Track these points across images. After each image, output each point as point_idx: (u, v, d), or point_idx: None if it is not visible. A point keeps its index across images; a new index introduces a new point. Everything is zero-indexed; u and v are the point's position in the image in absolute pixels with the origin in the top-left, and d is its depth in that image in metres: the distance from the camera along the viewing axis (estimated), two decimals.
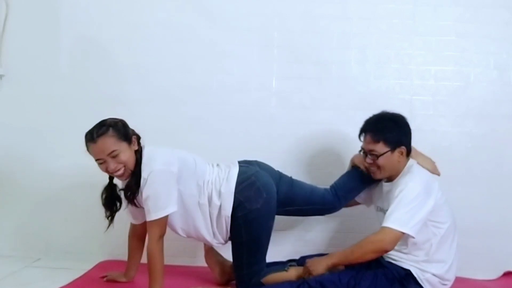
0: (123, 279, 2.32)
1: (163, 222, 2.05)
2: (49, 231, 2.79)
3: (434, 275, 2.11)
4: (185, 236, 2.25)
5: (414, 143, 2.67)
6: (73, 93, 2.78)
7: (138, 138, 2.15)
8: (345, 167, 2.67)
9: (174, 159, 2.10)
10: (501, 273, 2.59)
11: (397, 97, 2.71)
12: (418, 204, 2.03)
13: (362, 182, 2.36)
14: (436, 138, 2.67)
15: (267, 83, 2.74)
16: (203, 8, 2.75)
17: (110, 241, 2.66)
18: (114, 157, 2.04)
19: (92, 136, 2.03)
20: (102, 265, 2.56)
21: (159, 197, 2.02)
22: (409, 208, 2.02)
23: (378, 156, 2.16)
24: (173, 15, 2.76)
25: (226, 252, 2.39)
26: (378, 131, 2.17)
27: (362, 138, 2.23)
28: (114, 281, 2.32)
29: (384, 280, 2.09)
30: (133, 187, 2.08)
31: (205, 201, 2.16)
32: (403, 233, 2.00)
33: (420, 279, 2.10)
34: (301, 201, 2.32)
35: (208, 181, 2.18)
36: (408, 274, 2.10)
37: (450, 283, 2.17)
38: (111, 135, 2.04)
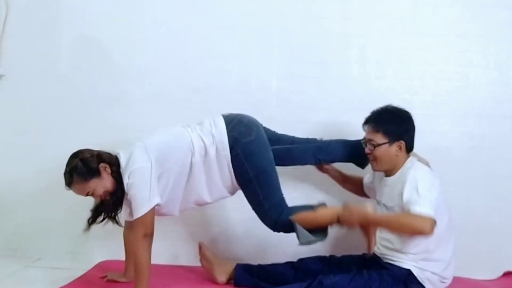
0: (124, 279, 2.32)
1: (147, 219, 2.05)
2: (49, 231, 2.79)
3: (433, 273, 2.11)
4: (194, 206, 2.28)
5: (414, 143, 2.67)
6: (73, 93, 2.78)
7: (108, 160, 2.12)
8: (345, 166, 2.67)
9: (145, 152, 2.09)
10: (501, 273, 2.59)
11: (397, 97, 2.68)
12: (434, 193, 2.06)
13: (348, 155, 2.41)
14: (436, 138, 2.66)
15: (267, 83, 2.74)
16: (203, 8, 2.75)
17: (110, 241, 2.65)
18: (91, 195, 2.11)
19: (66, 184, 2.11)
20: (102, 265, 2.56)
21: (139, 195, 2.04)
22: (431, 198, 2.03)
23: (375, 146, 2.19)
24: (173, 15, 2.76)
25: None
26: (379, 121, 2.21)
27: (365, 127, 2.25)
28: (114, 281, 2.32)
29: (391, 281, 2.09)
30: (110, 207, 2.14)
31: (198, 158, 2.16)
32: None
33: (421, 278, 2.10)
34: (285, 139, 2.42)
35: (194, 139, 2.18)
36: (409, 274, 2.10)
37: (449, 281, 2.18)
38: (76, 181, 2.09)
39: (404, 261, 2.12)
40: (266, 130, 2.35)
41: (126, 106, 2.74)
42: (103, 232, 2.69)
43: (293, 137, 2.48)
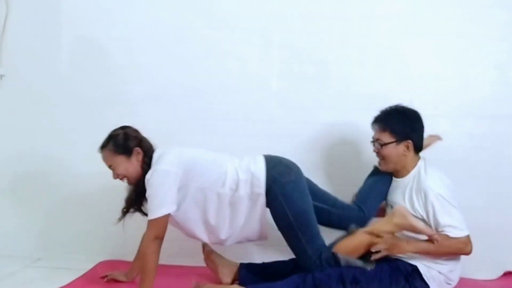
0: (123, 278, 2.32)
1: (160, 223, 2.04)
2: (49, 231, 2.79)
3: (440, 272, 2.11)
4: (207, 240, 2.22)
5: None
6: (73, 93, 2.78)
7: (147, 149, 2.14)
8: (345, 166, 2.68)
9: (178, 159, 2.09)
10: (501, 273, 2.59)
11: (397, 97, 2.68)
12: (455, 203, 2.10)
13: (383, 184, 2.32)
14: None
15: (267, 83, 2.74)
16: (203, 8, 2.75)
17: (110, 241, 2.66)
18: (112, 169, 2.12)
19: (100, 146, 2.14)
20: (102, 265, 2.56)
21: (156, 198, 2.03)
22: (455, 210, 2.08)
23: (382, 145, 2.19)
24: (173, 15, 2.76)
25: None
26: (387, 120, 2.22)
27: (373, 126, 2.27)
28: (114, 280, 2.32)
29: (388, 274, 2.09)
30: (133, 200, 2.13)
31: (227, 191, 2.11)
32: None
33: (426, 276, 2.10)
34: (326, 199, 2.29)
35: (229, 170, 2.13)
36: (414, 270, 2.10)
37: (454, 284, 2.17)
38: (109, 148, 2.12)
39: (413, 258, 2.12)
40: (309, 181, 2.29)
41: (126, 106, 2.74)
42: (103, 232, 2.71)
43: (335, 199, 2.33)
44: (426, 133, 2.64)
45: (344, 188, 2.68)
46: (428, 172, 2.16)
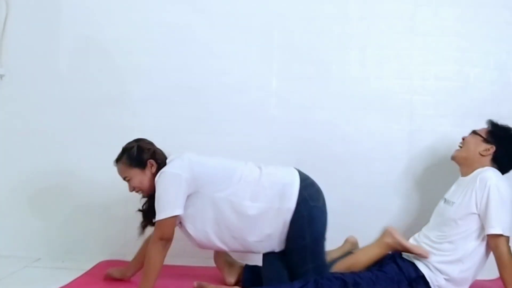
0: (118, 275, 2.32)
1: (167, 224, 2.02)
2: (49, 231, 2.79)
3: (446, 280, 2.10)
4: (224, 247, 2.18)
5: (414, 142, 2.68)
6: (73, 93, 2.78)
7: (160, 160, 2.14)
8: (345, 166, 2.67)
9: (187, 164, 2.07)
10: None
11: (397, 97, 2.71)
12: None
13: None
14: (436, 138, 2.67)
15: (267, 83, 2.74)
16: (203, 8, 2.75)
17: (110, 241, 2.66)
18: (127, 181, 2.14)
19: (115, 159, 2.17)
20: (102, 265, 2.56)
21: (162, 199, 2.03)
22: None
23: (472, 133, 2.27)
24: (173, 15, 2.75)
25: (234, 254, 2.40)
26: (495, 126, 2.26)
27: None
28: (111, 277, 2.32)
29: (390, 278, 2.09)
30: (150, 212, 2.12)
31: (245, 200, 2.08)
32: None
33: (433, 283, 2.10)
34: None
35: (255, 180, 2.11)
36: (420, 277, 2.10)
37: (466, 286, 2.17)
38: (123, 162, 2.14)
39: (427, 265, 2.13)
40: None
41: (126, 106, 2.74)
42: (103, 232, 2.71)
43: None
44: (425, 132, 2.66)
45: (344, 188, 2.69)
46: (495, 172, 2.15)
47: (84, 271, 2.45)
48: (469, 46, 2.69)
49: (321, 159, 2.71)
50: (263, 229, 2.11)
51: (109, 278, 2.33)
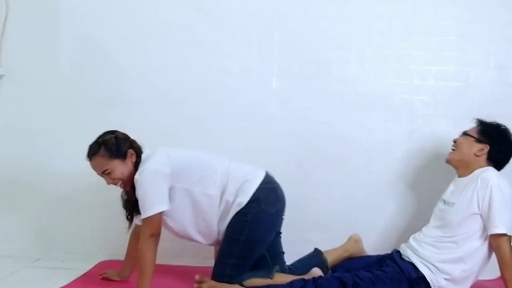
0: (116, 278, 2.32)
1: (155, 220, 2.04)
2: (49, 231, 2.79)
3: (447, 280, 2.10)
4: (182, 235, 2.23)
5: (414, 143, 2.68)
6: (73, 93, 2.78)
7: (138, 150, 2.16)
8: (345, 166, 2.67)
9: (166, 159, 2.11)
10: None
11: (397, 97, 2.71)
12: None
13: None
14: (436, 138, 2.66)
15: (267, 83, 2.74)
16: (203, 8, 2.75)
17: (110, 241, 2.66)
18: (107, 174, 2.11)
19: (88, 155, 2.12)
20: (102, 265, 2.56)
21: (147, 196, 2.04)
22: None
23: (463, 134, 2.26)
24: (173, 15, 2.76)
25: None
26: (486, 124, 2.24)
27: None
28: (108, 279, 2.32)
29: (390, 278, 2.09)
30: (133, 203, 2.12)
31: (216, 191, 2.14)
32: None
33: (433, 284, 2.09)
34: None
35: (224, 172, 2.16)
36: (420, 277, 2.10)
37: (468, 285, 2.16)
38: (102, 154, 2.10)
39: (428, 258, 2.13)
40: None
41: (126, 106, 2.74)
42: (103, 232, 2.71)
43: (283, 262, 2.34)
44: (425, 132, 2.66)
45: (344, 188, 2.69)
46: (495, 171, 2.15)
47: (84, 271, 2.46)
48: (469, 46, 2.69)
49: (321, 159, 2.71)
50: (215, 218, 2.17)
51: (110, 281, 2.32)
